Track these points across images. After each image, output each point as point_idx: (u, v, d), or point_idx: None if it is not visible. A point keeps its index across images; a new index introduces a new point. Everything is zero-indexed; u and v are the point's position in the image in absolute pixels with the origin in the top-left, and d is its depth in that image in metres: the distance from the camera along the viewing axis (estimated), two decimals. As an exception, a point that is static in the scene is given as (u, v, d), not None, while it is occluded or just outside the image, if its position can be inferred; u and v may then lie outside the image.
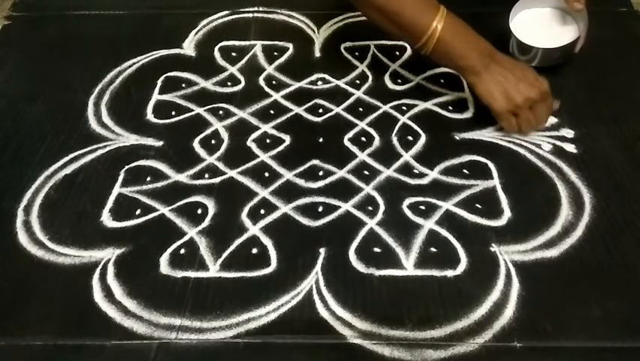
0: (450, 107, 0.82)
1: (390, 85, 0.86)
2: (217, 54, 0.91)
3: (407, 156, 0.76)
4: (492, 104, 0.72)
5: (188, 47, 0.93)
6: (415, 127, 0.79)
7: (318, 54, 0.91)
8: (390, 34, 0.75)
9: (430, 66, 0.88)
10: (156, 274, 0.64)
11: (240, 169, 0.75)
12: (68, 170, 0.75)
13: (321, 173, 0.74)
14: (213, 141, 0.78)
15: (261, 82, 0.87)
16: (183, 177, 0.74)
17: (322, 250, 0.66)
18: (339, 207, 0.70)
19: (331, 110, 0.82)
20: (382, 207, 0.70)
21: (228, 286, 0.63)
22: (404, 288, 0.62)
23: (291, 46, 0.92)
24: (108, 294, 0.62)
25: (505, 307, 0.60)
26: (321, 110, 0.82)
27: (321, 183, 0.73)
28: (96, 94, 0.85)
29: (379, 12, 0.73)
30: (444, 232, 0.67)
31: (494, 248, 0.66)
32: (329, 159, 0.75)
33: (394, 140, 0.78)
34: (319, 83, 0.86)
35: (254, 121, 0.81)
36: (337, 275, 0.63)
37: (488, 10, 0.88)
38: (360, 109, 0.82)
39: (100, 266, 0.65)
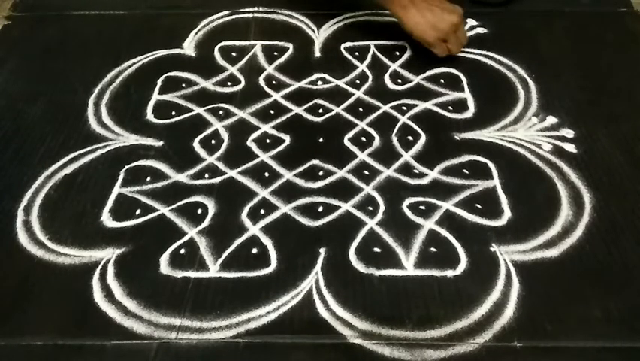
0: (450, 107, 0.82)
1: (390, 85, 0.86)
2: (217, 54, 0.91)
3: (407, 156, 0.76)
4: (424, 37, 0.82)
5: (188, 47, 0.93)
6: (415, 127, 0.79)
7: (318, 54, 0.91)
8: None
9: (430, 66, 0.88)
10: (156, 274, 0.64)
11: (240, 169, 0.75)
12: (68, 170, 0.75)
13: (321, 173, 0.74)
14: (213, 141, 0.78)
15: (261, 82, 0.87)
16: (183, 177, 0.74)
17: (322, 250, 0.66)
18: (339, 207, 0.70)
19: (331, 110, 0.82)
20: (382, 207, 0.70)
21: (228, 286, 0.63)
22: (404, 288, 0.62)
23: (291, 46, 0.92)
24: (108, 294, 0.62)
25: (505, 307, 0.60)
26: (321, 110, 0.82)
27: (321, 183, 0.73)
28: (96, 94, 0.85)
29: None
30: (444, 232, 0.67)
31: (494, 248, 0.66)
32: (329, 159, 0.75)
33: (394, 140, 0.78)
34: (319, 83, 0.86)
35: (254, 121, 0.81)
36: (337, 275, 0.63)
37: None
38: (360, 109, 0.82)
39: (100, 266, 0.65)
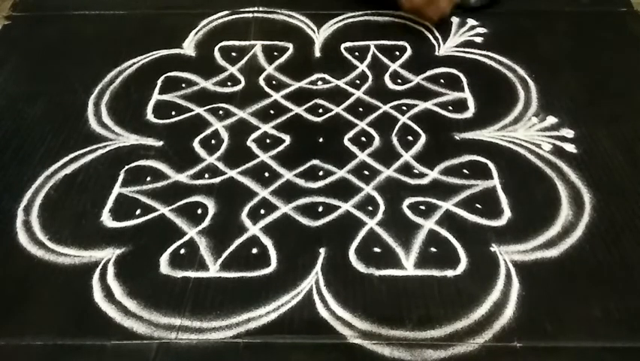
0: (450, 107, 0.82)
1: (390, 85, 0.86)
2: (217, 54, 0.91)
3: (407, 156, 0.76)
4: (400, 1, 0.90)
5: (188, 47, 0.93)
6: (415, 127, 0.79)
7: (318, 54, 0.91)
8: None
9: (430, 66, 0.88)
10: (156, 274, 0.64)
11: (240, 169, 0.75)
12: (68, 170, 0.75)
13: (321, 173, 0.74)
14: (213, 141, 0.78)
15: (261, 82, 0.87)
16: (183, 177, 0.74)
17: (322, 250, 0.66)
18: (339, 207, 0.70)
19: (331, 110, 0.82)
20: (382, 207, 0.70)
21: (228, 286, 0.63)
22: (404, 288, 0.62)
23: (291, 46, 0.92)
24: (108, 294, 0.62)
25: (505, 307, 0.60)
26: (321, 110, 0.82)
27: (321, 183, 0.73)
28: (96, 94, 0.85)
29: None
30: (444, 232, 0.67)
31: (494, 248, 0.66)
32: (329, 159, 0.76)
33: (394, 140, 0.78)
34: (319, 83, 0.86)
35: (254, 121, 0.81)
36: (337, 275, 0.63)
37: None
38: (360, 109, 0.82)
39: (100, 266, 0.65)
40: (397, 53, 0.90)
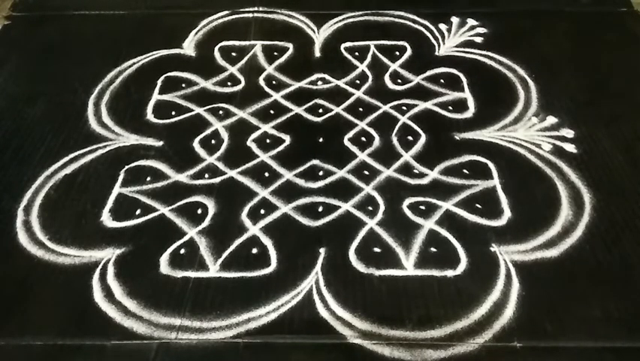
0: (450, 107, 0.82)
1: (390, 85, 0.86)
2: (217, 54, 0.91)
3: (407, 156, 0.76)
4: None
5: (188, 47, 0.93)
6: (415, 127, 0.79)
7: (318, 54, 0.91)
8: None
9: (430, 66, 0.88)
10: (156, 274, 0.64)
11: (240, 169, 0.75)
12: (68, 170, 0.75)
13: (321, 173, 0.74)
14: (213, 141, 0.78)
15: (261, 82, 0.87)
16: (183, 177, 0.74)
17: (322, 250, 0.66)
18: (339, 207, 0.70)
19: (331, 110, 0.82)
20: (382, 207, 0.70)
21: (228, 286, 0.63)
22: (404, 288, 0.62)
23: (291, 46, 0.92)
24: (108, 294, 0.62)
25: (505, 307, 0.60)
26: (321, 110, 0.82)
27: (321, 183, 0.73)
28: (96, 94, 0.85)
29: None
30: (444, 232, 0.67)
31: (494, 248, 0.66)
32: (329, 159, 0.75)
33: (394, 140, 0.78)
34: (319, 83, 0.86)
35: (254, 121, 0.81)
36: (337, 275, 0.63)
37: None
38: (360, 109, 0.82)
39: (100, 266, 0.65)
40: (397, 53, 0.90)
